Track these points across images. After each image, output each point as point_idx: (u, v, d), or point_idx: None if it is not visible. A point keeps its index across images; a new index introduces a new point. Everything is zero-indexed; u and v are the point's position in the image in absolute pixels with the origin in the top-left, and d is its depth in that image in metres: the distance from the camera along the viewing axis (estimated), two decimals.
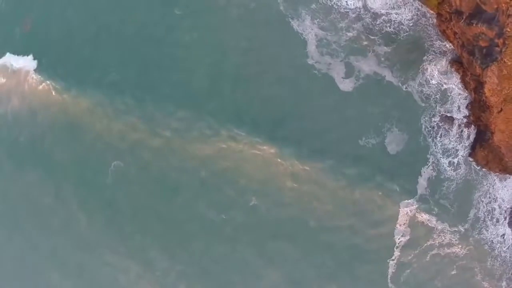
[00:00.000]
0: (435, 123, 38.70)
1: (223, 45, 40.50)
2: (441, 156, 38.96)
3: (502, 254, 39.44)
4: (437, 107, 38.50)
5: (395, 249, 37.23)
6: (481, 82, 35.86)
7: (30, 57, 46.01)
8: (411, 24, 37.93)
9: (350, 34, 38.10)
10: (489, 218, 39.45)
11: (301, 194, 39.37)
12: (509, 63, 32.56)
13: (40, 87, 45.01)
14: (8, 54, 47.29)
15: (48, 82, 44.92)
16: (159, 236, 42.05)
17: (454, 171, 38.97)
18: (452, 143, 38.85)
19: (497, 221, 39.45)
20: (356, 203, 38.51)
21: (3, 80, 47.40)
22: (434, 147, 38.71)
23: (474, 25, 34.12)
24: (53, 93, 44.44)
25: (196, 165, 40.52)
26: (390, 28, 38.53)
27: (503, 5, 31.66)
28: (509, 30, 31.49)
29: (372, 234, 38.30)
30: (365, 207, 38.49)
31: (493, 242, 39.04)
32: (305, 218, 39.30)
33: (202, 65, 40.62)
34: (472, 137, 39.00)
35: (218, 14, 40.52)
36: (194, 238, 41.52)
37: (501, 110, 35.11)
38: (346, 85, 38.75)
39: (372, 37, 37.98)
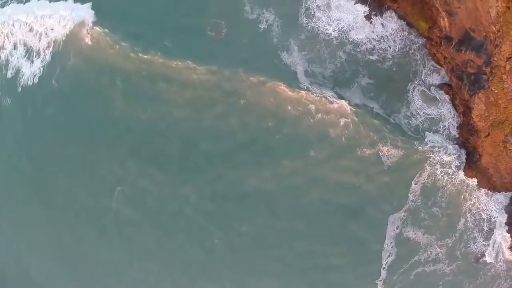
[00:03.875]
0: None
1: None
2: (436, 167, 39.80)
3: (493, 268, 40.61)
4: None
5: (381, 270, 38.51)
6: (469, 106, 36.69)
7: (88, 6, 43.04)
8: (397, 52, 38.68)
9: (333, 65, 39.03)
10: (477, 230, 40.49)
11: None
12: (496, 91, 33.23)
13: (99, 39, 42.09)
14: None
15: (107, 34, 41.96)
16: None
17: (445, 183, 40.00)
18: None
19: (485, 233, 40.54)
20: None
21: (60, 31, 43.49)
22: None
23: (463, 52, 34.74)
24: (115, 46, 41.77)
25: None
26: (374, 56, 39.23)
27: (491, 34, 32.26)
28: (496, 60, 32.07)
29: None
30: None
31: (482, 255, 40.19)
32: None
33: None
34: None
35: None
36: None
37: (489, 134, 35.84)
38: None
39: (356, 68, 38.81)
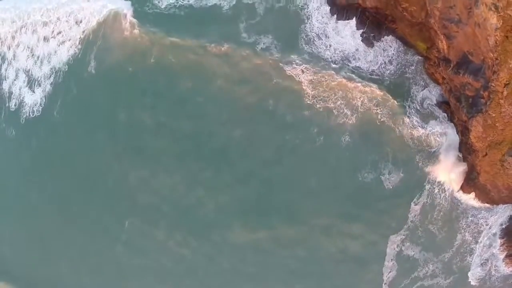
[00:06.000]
0: None
1: None
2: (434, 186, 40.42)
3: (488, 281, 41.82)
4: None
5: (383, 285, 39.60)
6: (467, 127, 37.19)
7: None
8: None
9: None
10: (474, 243, 41.50)
11: None
12: (493, 115, 33.55)
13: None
14: None
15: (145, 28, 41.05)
16: None
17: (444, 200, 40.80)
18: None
19: (481, 246, 41.58)
20: None
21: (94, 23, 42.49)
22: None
23: (461, 74, 34.99)
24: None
25: None
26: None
27: (489, 60, 32.56)
28: (493, 85, 32.43)
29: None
30: None
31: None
32: None
33: None
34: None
35: None
36: None
37: (486, 154, 36.47)
38: None
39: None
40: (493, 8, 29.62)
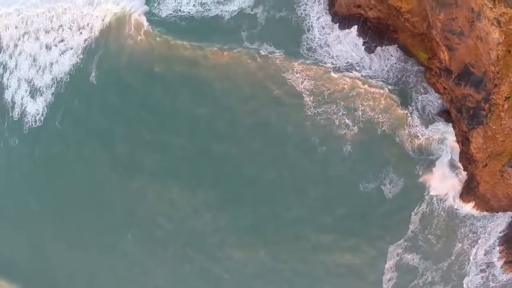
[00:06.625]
0: None
1: None
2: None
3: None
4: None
5: None
6: (467, 137, 37.32)
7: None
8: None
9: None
10: (473, 249, 41.77)
11: None
12: (494, 127, 33.65)
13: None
14: None
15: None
16: None
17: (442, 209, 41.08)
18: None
19: (481, 254, 41.99)
20: None
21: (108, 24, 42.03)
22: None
23: (462, 86, 35.06)
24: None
25: None
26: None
27: (490, 73, 32.57)
28: (494, 98, 32.51)
29: None
30: None
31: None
32: None
33: None
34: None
35: None
36: None
37: (486, 165, 36.64)
38: None
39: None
40: (495, 23, 29.60)
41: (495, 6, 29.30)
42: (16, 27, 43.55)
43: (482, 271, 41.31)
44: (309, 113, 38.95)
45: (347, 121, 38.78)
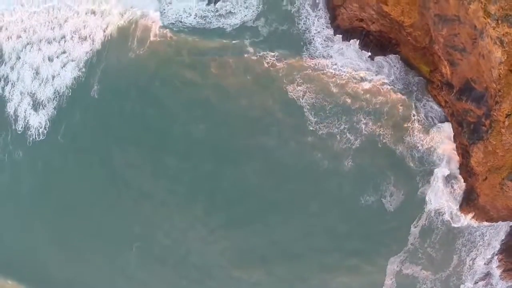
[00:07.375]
0: None
1: None
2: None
3: None
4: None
5: None
6: (467, 151, 37.55)
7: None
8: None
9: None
10: (471, 259, 42.34)
11: None
12: (494, 143, 33.90)
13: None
14: None
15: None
16: None
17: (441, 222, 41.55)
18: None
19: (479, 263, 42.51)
20: None
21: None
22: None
23: (463, 101, 35.19)
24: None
25: None
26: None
27: (492, 90, 32.70)
28: (495, 115, 32.66)
29: None
30: None
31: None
32: None
33: None
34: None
35: None
36: None
37: (486, 178, 36.95)
38: None
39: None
40: (498, 42, 29.68)
41: (498, 26, 29.47)
42: (18, 37, 43.43)
43: (481, 279, 41.99)
44: (311, 128, 39.21)
45: (348, 135, 39.09)
